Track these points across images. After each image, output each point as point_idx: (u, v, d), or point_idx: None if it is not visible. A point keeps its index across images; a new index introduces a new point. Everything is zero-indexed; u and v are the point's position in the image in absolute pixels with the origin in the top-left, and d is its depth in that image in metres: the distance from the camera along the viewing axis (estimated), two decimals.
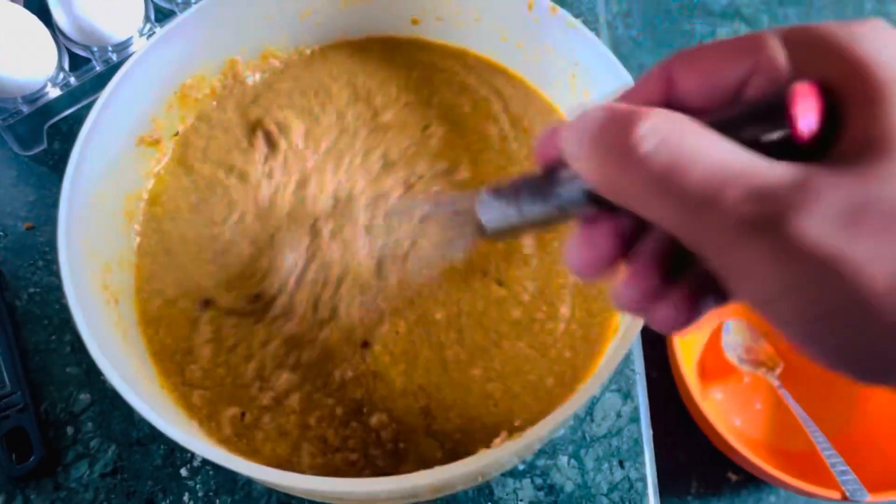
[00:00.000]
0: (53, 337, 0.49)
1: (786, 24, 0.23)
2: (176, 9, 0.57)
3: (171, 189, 0.48)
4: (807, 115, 0.21)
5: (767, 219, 0.20)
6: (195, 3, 0.57)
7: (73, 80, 0.54)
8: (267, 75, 0.51)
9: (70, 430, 0.46)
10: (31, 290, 0.50)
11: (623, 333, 0.37)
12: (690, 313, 0.25)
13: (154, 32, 0.56)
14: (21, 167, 0.54)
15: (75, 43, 0.54)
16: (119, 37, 0.54)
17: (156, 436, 0.46)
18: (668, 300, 0.25)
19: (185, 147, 0.49)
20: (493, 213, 0.30)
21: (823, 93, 0.21)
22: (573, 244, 0.27)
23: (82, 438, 0.46)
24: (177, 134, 0.49)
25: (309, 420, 0.42)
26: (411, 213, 0.45)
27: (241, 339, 0.44)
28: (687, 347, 0.81)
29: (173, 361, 0.43)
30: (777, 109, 0.21)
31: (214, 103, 0.50)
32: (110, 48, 0.54)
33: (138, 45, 0.55)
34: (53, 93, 0.53)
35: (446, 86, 0.51)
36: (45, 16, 0.53)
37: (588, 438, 0.46)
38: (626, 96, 0.26)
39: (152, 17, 0.56)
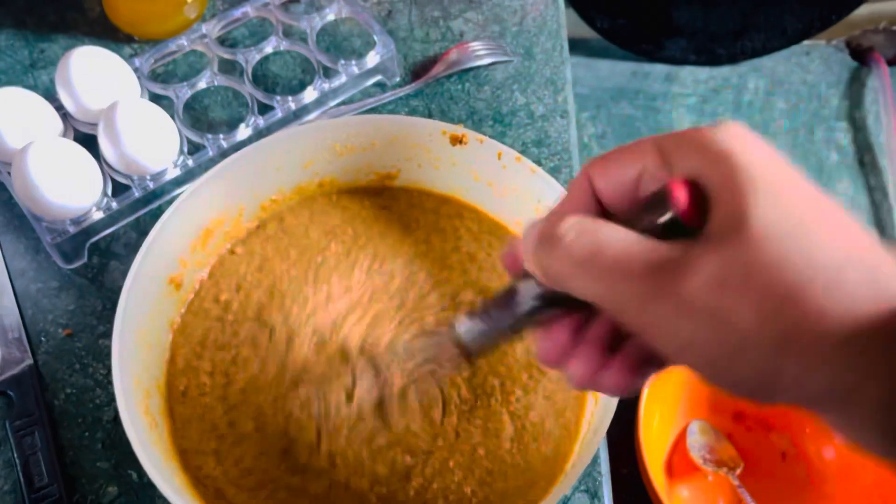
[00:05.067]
0: (86, 434, 0.55)
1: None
2: (206, 143, 0.65)
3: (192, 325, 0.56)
4: (680, 203, 0.28)
5: (664, 286, 0.27)
6: (222, 137, 0.65)
7: (114, 204, 0.61)
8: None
9: None
10: (68, 390, 0.57)
11: (588, 438, 0.44)
12: (634, 378, 0.32)
13: (187, 164, 0.64)
14: (63, 279, 0.61)
15: (118, 172, 0.62)
16: (156, 167, 0.62)
17: None
18: (613, 370, 0.32)
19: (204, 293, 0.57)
20: (472, 333, 0.38)
21: (692, 184, 0.28)
22: (538, 340, 0.34)
23: None
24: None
25: None
26: (411, 351, 0.52)
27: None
28: (654, 447, 0.88)
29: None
30: (661, 201, 0.28)
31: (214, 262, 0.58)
32: (148, 177, 0.62)
33: (172, 174, 0.63)
34: (97, 215, 0.61)
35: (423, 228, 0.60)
36: (91, 147, 0.62)
37: None
38: (564, 199, 0.34)
39: (185, 149, 0.65)
